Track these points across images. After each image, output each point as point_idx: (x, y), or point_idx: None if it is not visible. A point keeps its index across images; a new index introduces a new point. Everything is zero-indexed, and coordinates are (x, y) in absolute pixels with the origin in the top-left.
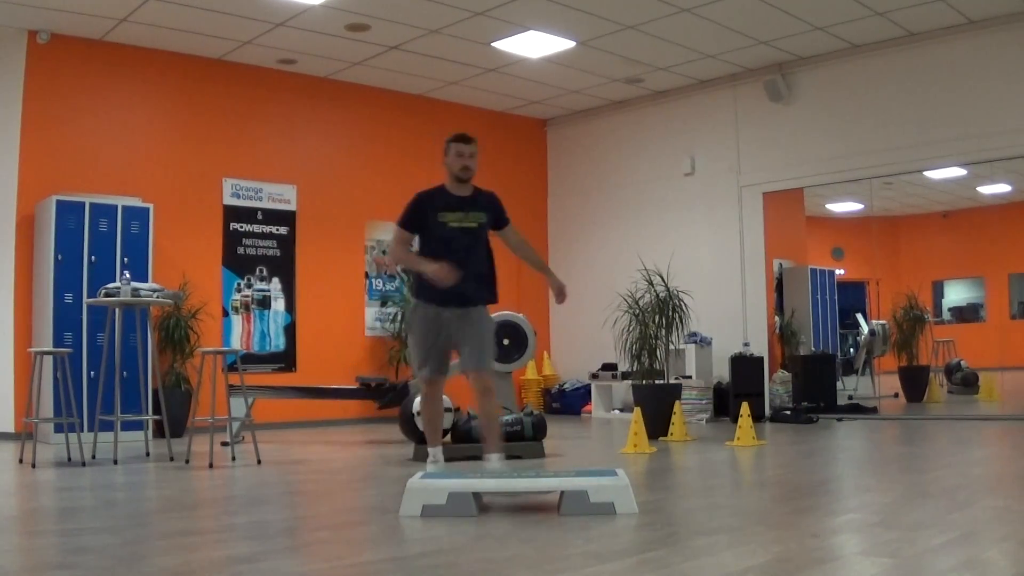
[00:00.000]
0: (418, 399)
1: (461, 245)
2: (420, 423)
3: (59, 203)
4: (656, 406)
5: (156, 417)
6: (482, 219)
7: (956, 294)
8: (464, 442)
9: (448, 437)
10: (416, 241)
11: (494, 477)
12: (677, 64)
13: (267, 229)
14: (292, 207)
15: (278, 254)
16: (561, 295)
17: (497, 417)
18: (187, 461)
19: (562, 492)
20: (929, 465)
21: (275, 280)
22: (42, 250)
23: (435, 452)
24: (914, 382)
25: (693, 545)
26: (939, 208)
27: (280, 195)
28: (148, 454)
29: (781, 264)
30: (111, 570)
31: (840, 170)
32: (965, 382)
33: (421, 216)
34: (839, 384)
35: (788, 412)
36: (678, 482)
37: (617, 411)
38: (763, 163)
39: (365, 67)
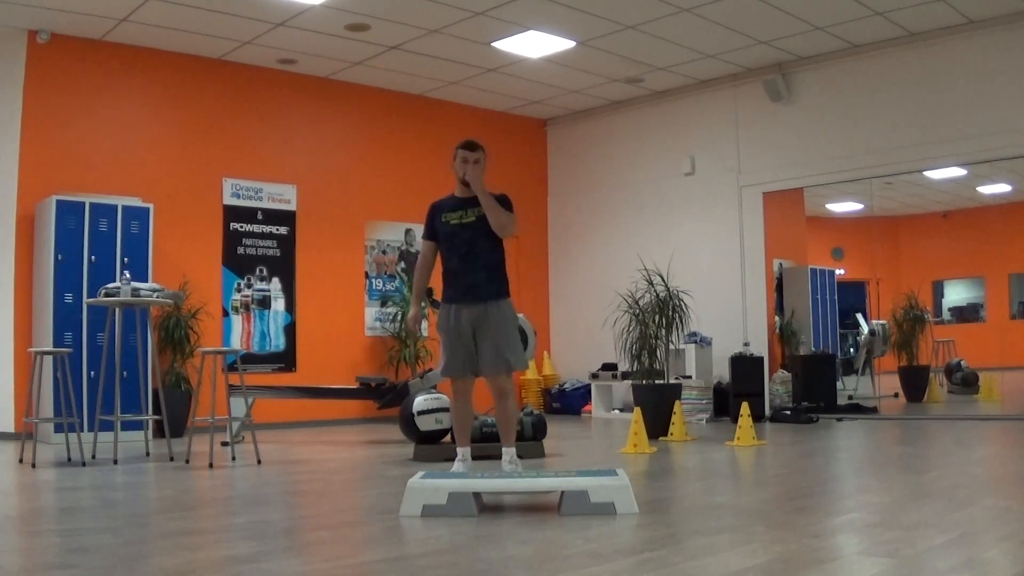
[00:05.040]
0: (418, 399)
1: (462, 239)
2: (454, 427)
3: (59, 203)
4: (656, 406)
5: (156, 417)
6: (479, 212)
7: (956, 294)
8: None
9: (449, 438)
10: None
11: (495, 477)
12: (677, 64)
13: (267, 229)
14: (292, 207)
15: (278, 254)
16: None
17: (513, 418)
18: (187, 461)
19: (562, 492)
20: (929, 465)
21: (275, 280)
22: (42, 250)
23: (464, 452)
24: (914, 382)
25: (693, 545)
26: (939, 208)
27: (280, 195)
28: (148, 454)
29: (781, 264)
30: (111, 570)
31: (840, 170)
32: (965, 382)
33: (432, 221)
34: (839, 384)
35: (788, 412)
36: (678, 482)
37: (617, 411)
38: (763, 163)
39: (365, 67)
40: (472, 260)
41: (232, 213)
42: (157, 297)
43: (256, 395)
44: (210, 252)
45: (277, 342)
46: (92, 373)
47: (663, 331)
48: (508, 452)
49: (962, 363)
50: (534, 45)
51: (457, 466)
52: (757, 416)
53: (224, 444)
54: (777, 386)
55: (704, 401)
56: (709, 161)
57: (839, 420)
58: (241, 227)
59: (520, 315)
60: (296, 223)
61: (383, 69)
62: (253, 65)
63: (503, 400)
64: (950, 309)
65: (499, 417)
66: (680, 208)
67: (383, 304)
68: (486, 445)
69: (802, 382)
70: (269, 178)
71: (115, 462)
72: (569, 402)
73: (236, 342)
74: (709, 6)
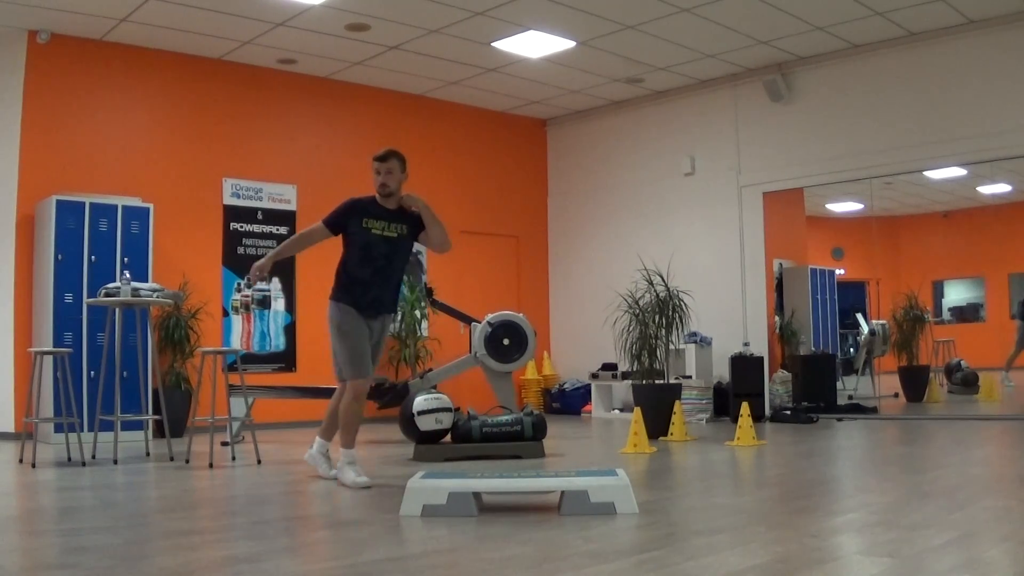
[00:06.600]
0: (418, 399)
1: (381, 252)
2: (343, 427)
3: (59, 203)
4: (656, 406)
5: (156, 417)
6: (403, 230)
7: (956, 294)
8: (464, 442)
9: (448, 437)
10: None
11: (495, 477)
12: (677, 64)
13: (267, 229)
14: (292, 207)
15: None
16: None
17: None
18: (187, 461)
19: (562, 492)
20: (929, 465)
21: (275, 280)
22: (42, 250)
23: (353, 453)
24: (914, 382)
25: (693, 545)
26: (939, 208)
27: (280, 195)
28: (148, 454)
29: (781, 264)
30: (111, 570)
31: (840, 170)
32: (965, 382)
33: (347, 220)
34: (839, 384)
35: (788, 412)
36: (678, 482)
37: (617, 411)
38: (763, 163)
39: (365, 67)
40: (387, 276)
41: (232, 213)
42: (157, 297)
43: (256, 395)
44: (210, 252)
45: (277, 342)
46: (92, 373)
47: (663, 331)
48: (322, 445)
49: (962, 363)
50: (534, 45)
51: (355, 471)
52: (757, 416)
53: (224, 444)
54: (777, 386)
55: (704, 401)
56: (709, 161)
57: (839, 420)
58: (241, 227)
59: (520, 315)
60: (296, 223)
61: (383, 69)
62: (253, 65)
63: (360, 402)
64: (950, 309)
65: (352, 415)
66: (680, 208)
67: None
68: (486, 445)
69: (802, 382)
70: (269, 178)
71: (115, 462)
72: (569, 402)
73: (236, 342)
74: (709, 6)
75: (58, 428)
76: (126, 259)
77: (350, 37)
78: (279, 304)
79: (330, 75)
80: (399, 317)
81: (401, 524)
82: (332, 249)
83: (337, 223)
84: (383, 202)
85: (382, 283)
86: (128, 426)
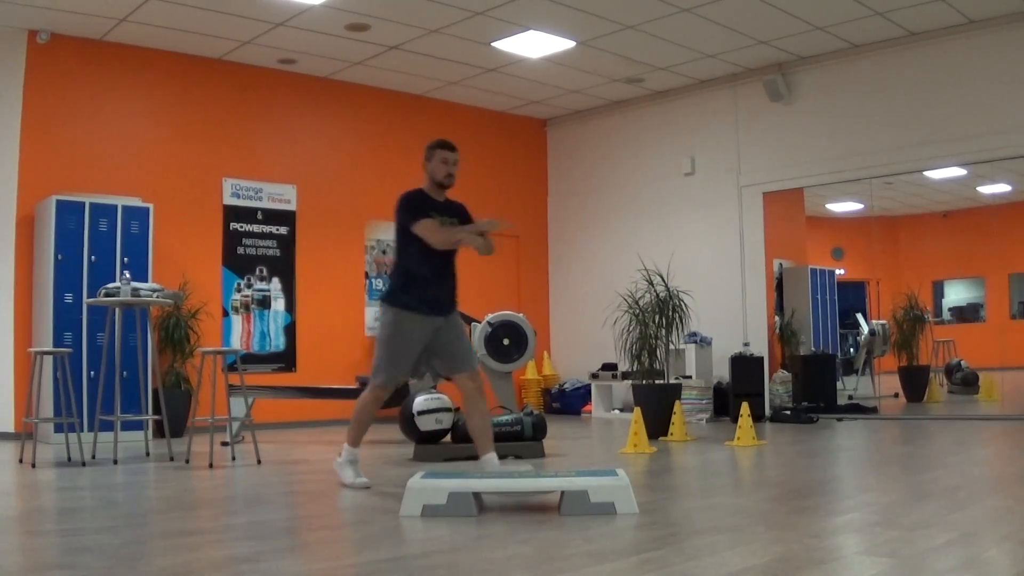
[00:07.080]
0: (418, 399)
1: (443, 249)
2: (354, 423)
3: (59, 203)
4: (656, 406)
5: (156, 417)
6: (455, 224)
7: (956, 294)
8: (464, 442)
9: (448, 437)
10: (385, 248)
11: (494, 477)
12: (677, 64)
13: (267, 229)
14: (292, 207)
15: (278, 254)
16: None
17: (489, 416)
18: (187, 461)
19: (562, 492)
20: (929, 465)
21: (275, 280)
22: (42, 250)
23: (356, 453)
24: (914, 382)
25: (693, 545)
26: (939, 208)
27: (280, 195)
28: (148, 454)
29: (781, 264)
30: (111, 570)
31: (840, 170)
32: (965, 382)
33: (425, 211)
34: (839, 384)
35: (788, 412)
36: (678, 482)
37: (617, 411)
38: (763, 163)
39: (365, 67)
40: (446, 274)
41: (232, 213)
42: (157, 297)
43: (256, 395)
44: (210, 252)
45: (277, 342)
46: (92, 373)
47: (663, 331)
48: (493, 457)
49: (962, 363)
50: (534, 45)
51: (354, 471)
52: (757, 416)
53: (224, 444)
54: (777, 386)
55: (704, 401)
56: (709, 161)
57: (839, 420)
58: (241, 227)
59: (520, 315)
60: (296, 223)
61: (383, 69)
62: (253, 65)
63: (483, 399)
64: (950, 309)
65: (481, 421)
66: (680, 208)
67: None
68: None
69: (802, 382)
70: (269, 178)
71: (115, 462)
72: (569, 402)
73: (236, 342)
74: (709, 6)
75: (58, 428)
76: (126, 259)
77: (350, 37)
78: (279, 304)
79: (330, 75)
80: None
81: (401, 524)
82: (331, 250)
83: (423, 212)
84: (435, 194)
85: (441, 281)
86: (128, 426)
